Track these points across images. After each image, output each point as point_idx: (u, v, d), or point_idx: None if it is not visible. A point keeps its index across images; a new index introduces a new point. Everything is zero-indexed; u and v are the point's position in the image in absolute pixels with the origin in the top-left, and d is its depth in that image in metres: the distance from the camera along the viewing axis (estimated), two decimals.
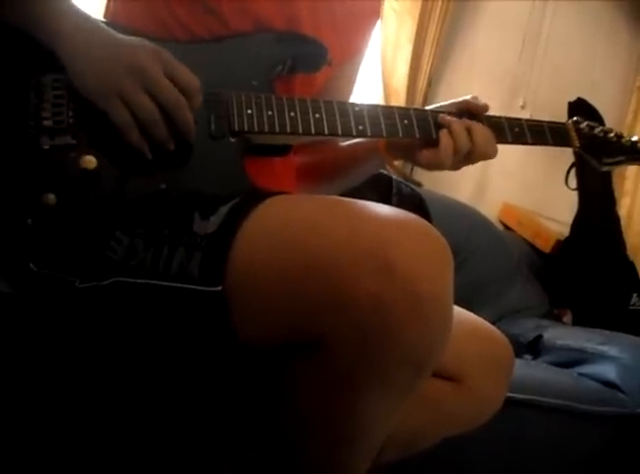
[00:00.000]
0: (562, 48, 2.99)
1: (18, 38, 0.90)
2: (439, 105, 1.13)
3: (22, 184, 0.88)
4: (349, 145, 1.23)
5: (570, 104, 2.72)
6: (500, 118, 1.12)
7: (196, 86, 0.91)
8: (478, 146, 1.06)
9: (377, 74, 2.63)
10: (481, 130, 1.07)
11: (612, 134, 1.22)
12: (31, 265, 0.86)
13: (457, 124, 1.06)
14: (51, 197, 0.87)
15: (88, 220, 0.88)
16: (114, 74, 0.88)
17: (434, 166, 1.08)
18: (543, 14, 2.94)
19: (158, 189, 0.91)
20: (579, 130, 1.19)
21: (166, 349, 0.89)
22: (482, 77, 2.85)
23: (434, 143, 1.06)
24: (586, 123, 1.20)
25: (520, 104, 2.90)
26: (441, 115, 1.07)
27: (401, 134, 1.05)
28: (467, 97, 1.12)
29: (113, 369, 0.93)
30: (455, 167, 1.08)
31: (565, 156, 1.94)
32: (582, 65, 3.03)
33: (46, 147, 0.89)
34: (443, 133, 1.05)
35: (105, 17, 1.09)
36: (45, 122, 0.89)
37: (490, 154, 1.08)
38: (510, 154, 2.82)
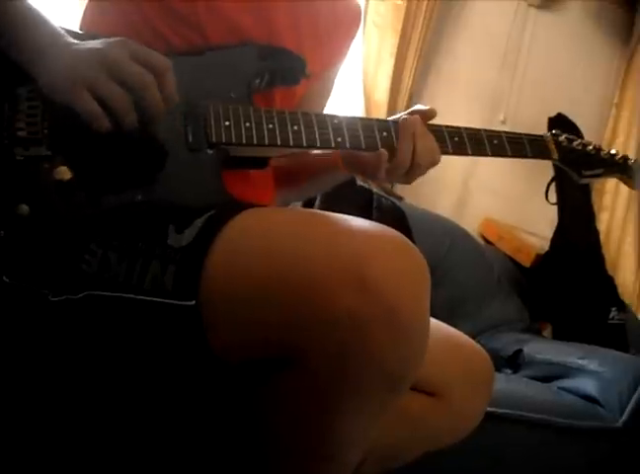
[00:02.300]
0: (542, 65, 3.01)
1: None
2: (400, 114, 1.12)
3: None
4: (308, 157, 1.23)
5: (550, 119, 2.74)
6: (479, 130, 1.12)
7: (165, 64, 0.88)
8: (418, 155, 1.03)
9: (359, 89, 2.63)
10: (421, 136, 1.05)
11: (591, 147, 1.23)
12: (3, 277, 0.84)
13: (404, 134, 1.04)
14: (25, 207, 0.86)
15: (62, 232, 0.87)
16: (78, 68, 0.85)
17: (375, 173, 1.05)
18: (524, 30, 2.96)
19: (134, 200, 0.90)
20: (558, 143, 1.19)
21: (141, 362, 0.88)
22: (463, 92, 2.87)
23: None
24: (564, 136, 1.21)
25: (501, 119, 2.92)
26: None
27: (380, 146, 1.05)
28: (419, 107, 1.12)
29: (86, 383, 0.92)
30: (401, 179, 1.06)
31: (545, 171, 1.95)
32: (562, 82, 3.05)
33: (21, 158, 0.88)
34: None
35: (81, 28, 1.08)
36: (20, 133, 0.88)
37: (428, 163, 1.05)
38: (490, 169, 2.85)
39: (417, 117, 1.08)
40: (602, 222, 3.02)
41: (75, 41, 0.89)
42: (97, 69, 0.85)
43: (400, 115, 1.12)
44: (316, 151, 1.20)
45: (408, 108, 2.76)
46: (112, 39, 0.88)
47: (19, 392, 0.92)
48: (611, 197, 3.07)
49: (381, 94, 2.61)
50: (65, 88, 0.86)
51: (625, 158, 1.25)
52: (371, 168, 1.06)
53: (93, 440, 0.94)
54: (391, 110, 2.60)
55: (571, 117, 2.76)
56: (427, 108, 1.11)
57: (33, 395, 0.92)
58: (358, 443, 0.82)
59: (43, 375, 0.92)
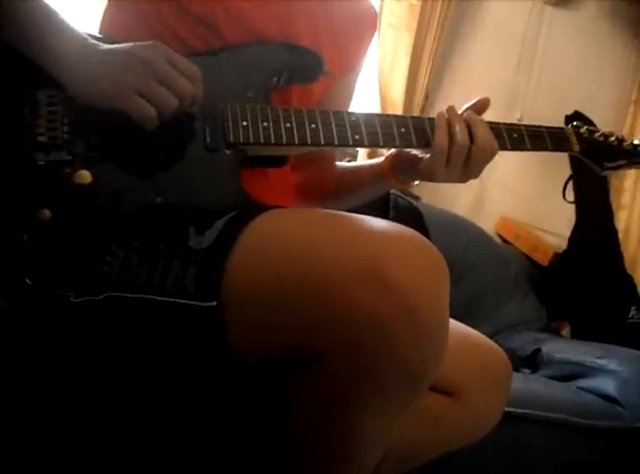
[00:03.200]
0: (558, 62, 3.00)
1: (12, 54, 0.90)
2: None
3: (17, 200, 0.88)
4: (351, 168, 1.23)
5: (567, 117, 2.72)
6: (498, 123, 1.10)
7: (197, 73, 0.91)
8: (479, 139, 1.03)
9: (375, 88, 2.63)
10: (481, 123, 1.04)
11: (613, 138, 1.21)
12: (26, 280, 0.86)
13: (456, 117, 1.04)
14: (47, 212, 0.87)
15: (83, 235, 0.88)
16: (126, 73, 0.88)
17: (432, 169, 1.04)
18: (539, 28, 2.95)
19: (154, 202, 0.91)
20: (579, 135, 1.18)
21: (161, 363, 0.89)
22: (479, 91, 2.81)
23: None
24: (585, 128, 1.20)
25: (518, 117, 2.90)
26: (439, 112, 1.05)
27: (398, 143, 1.04)
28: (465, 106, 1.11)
29: (108, 383, 0.92)
30: (458, 174, 1.05)
31: (562, 169, 1.94)
32: (578, 79, 3.04)
33: (42, 163, 0.89)
34: (438, 131, 1.03)
35: (100, 31, 1.09)
36: (40, 138, 0.89)
37: (490, 149, 1.05)
38: (507, 167, 2.84)
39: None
40: (621, 221, 3.00)
41: (101, 45, 0.90)
42: (142, 73, 0.87)
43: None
44: (361, 163, 1.20)
45: (424, 107, 2.77)
46: (145, 43, 0.90)
47: (40, 391, 0.93)
48: (630, 196, 3.05)
49: (397, 93, 2.61)
50: (116, 96, 0.88)
51: None
52: (427, 165, 1.05)
53: (113, 440, 0.95)
54: (407, 109, 2.60)
55: (588, 114, 2.74)
56: (479, 99, 1.10)
57: (54, 394, 0.93)
58: (377, 444, 0.82)
59: (65, 375, 0.93)
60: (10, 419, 0.92)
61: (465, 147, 1.03)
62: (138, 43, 0.90)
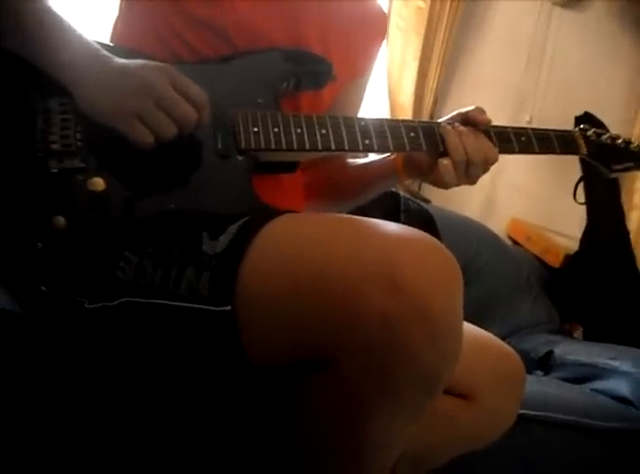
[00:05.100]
0: (567, 64, 2.99)
1: (23, 64, 0.91)
2: (448, 116, 1.13)
3: (32, 207, 0.88)
4: (361, 165, 1.24)
5: (577, 118, 2.71)
6: (506, 128, 1.11)
7: (204, 99, 0.91)
8: (470, 155, 1.05)
9: (384, 92, 2.64)
10: (470, 138, 1.06)
11: (620, 140, 1.22)
12: (41, 286, 0.86)
13: (451, 136, 1.06)
14: (61, 219, 0.87)
15: (97, 242, 0.88)
16: (127, 95, 0.88)
17: (440, 184, 1.08)
18: (547, 30, 2.94)
19: (167, 209, 0.92)
20: (586, 138, 1.19)
21: (176, 368, 0.89)
22: (488, 94, 2.86)
23: (442, 155, 1.06)
24: (593, 131, 1.20)
25: (527, 119, 2.90)
26: (442, 125, 1.07)
27: (408, 148, 1.05)
28: (472, 108, 1.12)
29: (122, 389, 0.93)
30: (466, 180, 1.08)
31: (573, 170, 1.93)
32: (587, 80, 3.03)
33: (55, 170, 0.89)
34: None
35: (111, 39, 1.10)
36: (53, 146, 0.90)
37: (489, 159, 1.08)
38: (518, 169, 2.83)
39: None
40: (633, 221, 2.98)
41: (112, 59, 0.90)
42: (145, 99, 0.88)
43: (449, 116, 1.12)
44: (371, 159, 1.22)
45: (433, 110, 2.77)
46: (153, 65, 0.90)
47: (56, 397, 0.94)
48: None
49: (406, 97, 2.62)
50: (115, 116, 0.89)
51: None
52: (428, 171, 1.09)
53: (129, 445, 0.96)
54: (416, 112, 2.60)
55: (597, 115, 2.73)
56: (469, 108, 1.12)
57: (69, 400, 0.94)
58: (393, 446, 0.82)
59: (81, 381, 0.93)
60: (25, 424, 0.92)
61: (463, 163, 1.06)
62: (148, 64, 0.90)
